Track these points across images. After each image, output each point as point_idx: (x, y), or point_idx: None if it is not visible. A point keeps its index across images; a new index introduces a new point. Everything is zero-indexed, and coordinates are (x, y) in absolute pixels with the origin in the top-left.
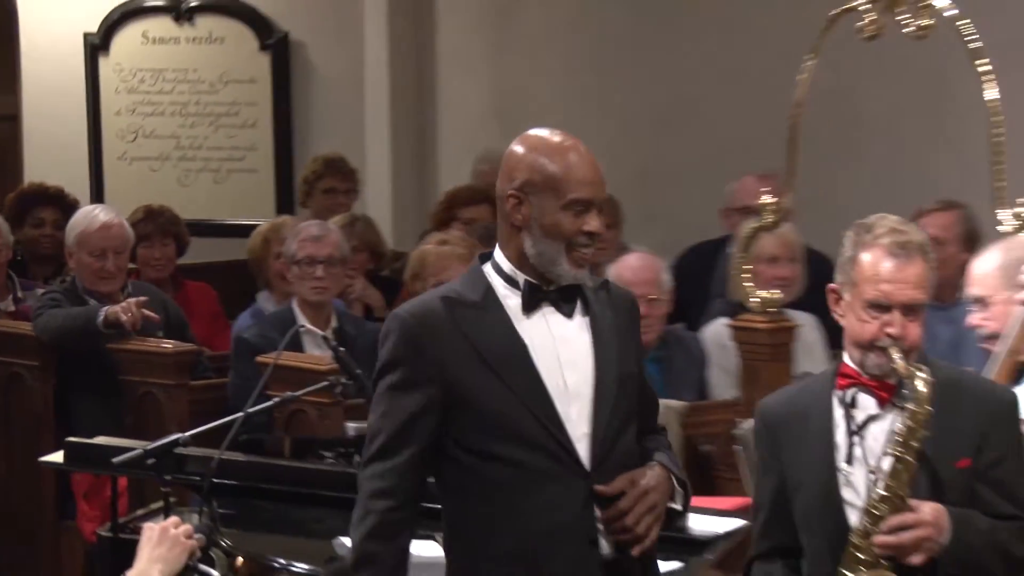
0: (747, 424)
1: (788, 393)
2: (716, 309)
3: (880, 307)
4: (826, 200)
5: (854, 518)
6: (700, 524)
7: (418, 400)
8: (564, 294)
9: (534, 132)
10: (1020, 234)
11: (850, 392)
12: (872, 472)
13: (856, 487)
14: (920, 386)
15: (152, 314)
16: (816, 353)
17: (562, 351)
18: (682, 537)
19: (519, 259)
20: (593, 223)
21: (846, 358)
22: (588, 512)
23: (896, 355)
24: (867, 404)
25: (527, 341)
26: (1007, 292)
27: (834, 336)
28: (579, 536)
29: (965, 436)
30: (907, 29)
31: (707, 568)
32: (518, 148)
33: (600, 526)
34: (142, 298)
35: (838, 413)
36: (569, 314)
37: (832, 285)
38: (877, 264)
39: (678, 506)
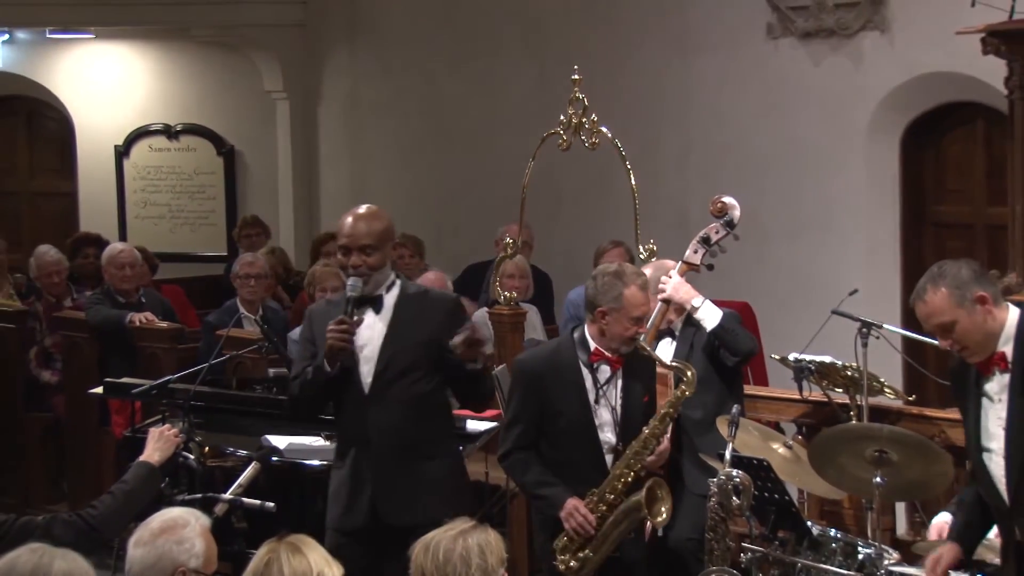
0: (499, 369)
1: (537, 354)
2: (481, 302)
3: (638, 320)
4: (543, 241)
5: (600, 435)
6: (471, 425)
7: (308, 349)
8: (372, 301)
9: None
10: (659, 259)
11: (598, 363)
12: (613, 408)
13: (601, 417)
14: (689, 374)
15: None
16: (537, 328)
17: (368, 333)
18: (462, 433)
19: None
20: (352, 259)
21: (592, 345)
22: (364, 418)
23: (647, 347)
24: (606, 370)
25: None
26: (655, 294)
27: (545, 320)
28: (359, 433)
29: (645, 381)
30: (586, 143)
31: (476, 451)
32: None
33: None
34: (151, 316)
35: (585, 372)
36: (377, 312)
37: (601, 309)
38: (635, 296)
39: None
